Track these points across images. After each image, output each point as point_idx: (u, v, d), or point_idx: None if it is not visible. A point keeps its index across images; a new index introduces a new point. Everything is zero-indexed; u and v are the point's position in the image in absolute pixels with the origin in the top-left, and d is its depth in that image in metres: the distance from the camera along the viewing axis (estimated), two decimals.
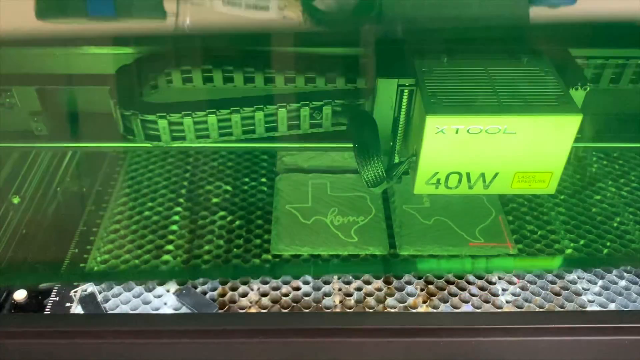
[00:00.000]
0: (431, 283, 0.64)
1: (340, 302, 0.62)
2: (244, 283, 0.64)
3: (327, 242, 0.68)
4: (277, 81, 0.61)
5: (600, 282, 0.65)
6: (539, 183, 0.54)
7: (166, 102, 0.54)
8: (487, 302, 0.63)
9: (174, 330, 0.52)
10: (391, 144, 0.57)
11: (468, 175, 0.53)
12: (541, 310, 0.62)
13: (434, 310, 0.61)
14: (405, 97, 0.53)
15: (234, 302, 0.62)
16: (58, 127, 0.64)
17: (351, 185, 0.76)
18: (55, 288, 0.64)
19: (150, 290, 0.63)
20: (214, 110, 0.53)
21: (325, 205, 0.73)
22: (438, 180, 0.54)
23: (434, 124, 0.49)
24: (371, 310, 0.61)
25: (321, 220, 0.71)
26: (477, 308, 0.62)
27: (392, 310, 0.61)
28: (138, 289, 0.63)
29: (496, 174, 0.53)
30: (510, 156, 0.52)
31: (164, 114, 0.52)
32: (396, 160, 0.58)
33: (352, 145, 0.53)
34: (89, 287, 0.63)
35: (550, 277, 0.65)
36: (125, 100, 0.54)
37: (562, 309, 0.62)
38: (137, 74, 0.57)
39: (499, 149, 0.51)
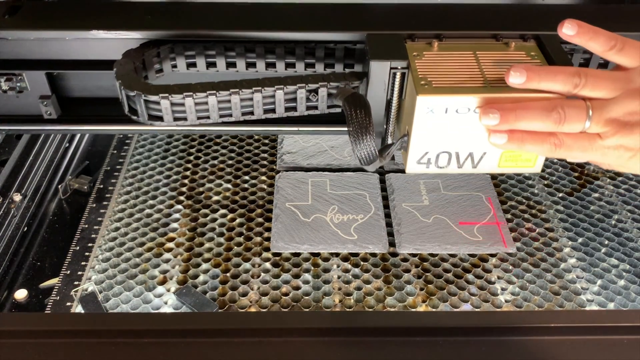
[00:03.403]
0: (430, 282, 0.65)
1: (340, 301, 0.63)
2: (244, 282, 0.64)
3: (327, 239, 0.68)
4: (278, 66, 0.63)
5: (599, 282, 0.65)
6: (525, 162, 0.56)
7: (169, 84, 0.55)
8: (486, 301, 0.63)
9: (174, 330, 0.52)
10: (384, 125, 0.59)
11: (457, 154, 0.55)
12: (540, 309, 0.62)
13: (434, 310, 0.62)
14: (397, 79, 0.56)
15: (234, 301, 0.62)
16: (66, 110, 0.67)
17: (351, 183, 0.76)
18: (56, 287, 0.64)
19: (150, 290, 0.63)
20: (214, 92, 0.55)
21: (324, 203, 0.73)
22: (429, 160, 0.55)
23: (424, 104, 0.51)
24: (371, 310, 0.61)
25: (321, 218, 0.71)
26: (477, 307, 0.62)
27: (392, 309, 0.62)
28: (138, 288, 0.64)
29: (484, 153, 0.55)
30: None
31: (167, 94, 0.54)
32: (389, 141, 0.60)
33: (346, 128, 0.55)
34: (90, 287, 0.63)
35: (549, 276, 0.65)
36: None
37: (561, 308, 0.62)
38: (142, 57, 0.59)
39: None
